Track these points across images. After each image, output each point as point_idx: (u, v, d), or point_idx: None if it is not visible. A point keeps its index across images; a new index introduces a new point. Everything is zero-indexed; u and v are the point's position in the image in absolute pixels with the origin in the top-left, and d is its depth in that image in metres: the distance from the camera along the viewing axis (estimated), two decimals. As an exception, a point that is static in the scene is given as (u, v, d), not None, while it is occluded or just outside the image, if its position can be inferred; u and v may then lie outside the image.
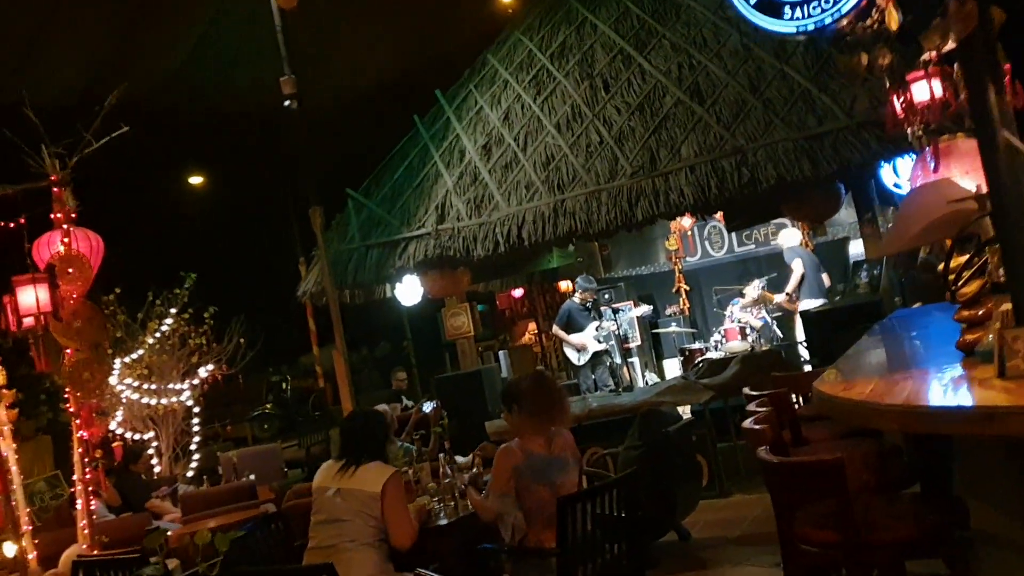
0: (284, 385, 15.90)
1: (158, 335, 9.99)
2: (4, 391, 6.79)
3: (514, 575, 4.31)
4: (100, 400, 6.40)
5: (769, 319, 10.56)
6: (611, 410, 7.91)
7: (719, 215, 9.75)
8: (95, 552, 6.13)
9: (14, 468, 6.50)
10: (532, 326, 16.42)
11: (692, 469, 6.67)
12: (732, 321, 10.77)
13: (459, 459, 5.87)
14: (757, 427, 3.74)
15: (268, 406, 15.22)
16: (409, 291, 9.71)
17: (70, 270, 6.18)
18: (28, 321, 5.98)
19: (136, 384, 9.73)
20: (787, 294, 10.26)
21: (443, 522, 4.56)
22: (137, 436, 9.72)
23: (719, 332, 10.85)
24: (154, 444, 9.78)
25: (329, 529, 4.17)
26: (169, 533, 6.86)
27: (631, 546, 4.43)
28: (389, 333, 20.27)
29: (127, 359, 9.78)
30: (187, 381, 9.98)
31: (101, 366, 6.24)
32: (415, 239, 8.93)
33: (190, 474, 9.63)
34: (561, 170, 8.58)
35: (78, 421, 6.30)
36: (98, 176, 7.12)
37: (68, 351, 6.20)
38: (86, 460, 6.37)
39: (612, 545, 4.38)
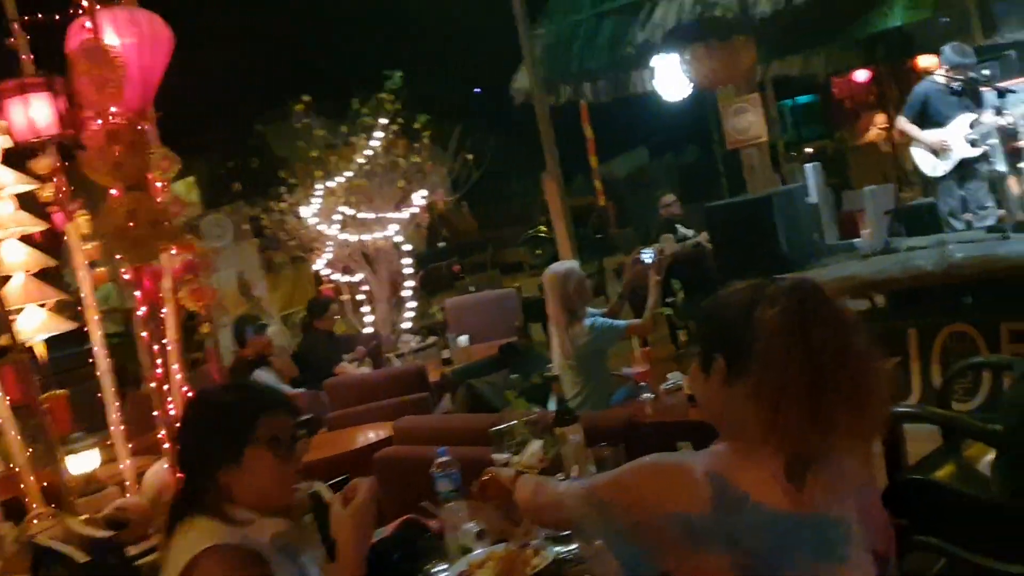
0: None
1: (368, 153, 8.00)
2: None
3: None
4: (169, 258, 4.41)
5: None
6: (992, 266, 4.58)
7: None
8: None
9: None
10: (880, 118, 12.81)
11: None
12: None
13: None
14: None
15: (541, 228, 13.18)
16: (671, 79, 6.73)
17: (98, 72, 4.09)
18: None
19: (347, 214, 7.91)
20: None
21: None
22: (347, 278, 8.02)
23: None
24: (364, 288, 8.03)
25: None
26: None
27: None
28: (698, 135, 17.14)
29: (328, 183, 7.94)
30: (403, 209, 7.98)
31: (156, 209, 4.21)
32: (666, -3, 5.86)
33: (406, 326, 7.82)
34: None
35: (138, 294, 4.40)
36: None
37: (113, 192, 4.24)
38: (164, 344, 4.51)
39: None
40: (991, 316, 4.65)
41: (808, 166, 6.92)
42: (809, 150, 15.00)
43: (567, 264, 4.34)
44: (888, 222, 7.31)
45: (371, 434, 4.25)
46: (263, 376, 6.35)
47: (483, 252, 13.36)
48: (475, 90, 19.11)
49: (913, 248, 5.14)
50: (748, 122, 6.65)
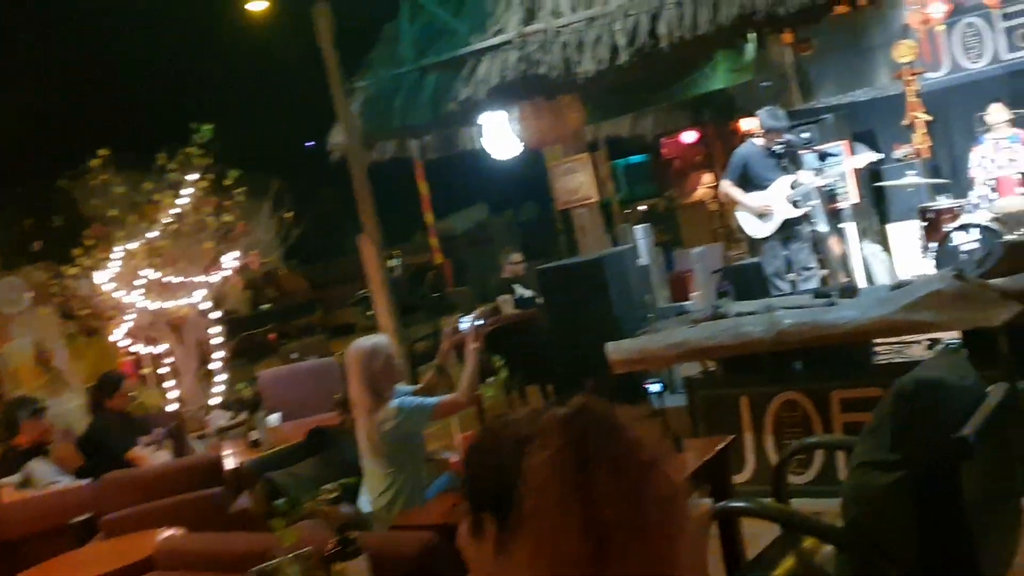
0: (391, 262, 13.23)
1: (175, 211, 7.32)
2: None
3: None
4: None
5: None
6: (820, 333, 4.47)
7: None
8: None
9: None
10: (707, 178, 13.13)
11: (1008, 499, 3.12)
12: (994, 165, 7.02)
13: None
14: None
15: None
16: (499, 137, 6.46)
17: None
18: None
19: (150, 278, 7.16)
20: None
21: None
22: (150, 349, 7.24)
23: (986, 184, 7.12)
24: (168, 360, 7.27)
25: None
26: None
27: None
28: (536, 191, 17.13)
29: (128, 245, 7.19)
30: (212, 273, 7.32)
31: None
32: (489, 52, 5.59)
33: (215, 401, 7.10)
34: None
35: None
36: None
37: None
38: None
39: None
40: (822, 384, 4.55)
41: (637, 228, 6.79)
42: (643, 208, 15.25)
43: (372, 339, 3.85)
44: (716, 282, 7.29)
45: (154, 540, 3.60)
46: (39, 467, 5.52)
47: (312, 314, 12.69)
48: (306, 144, 18.57)
49: (742, 313, 4.99)
50: (578, 182, 6.48)
